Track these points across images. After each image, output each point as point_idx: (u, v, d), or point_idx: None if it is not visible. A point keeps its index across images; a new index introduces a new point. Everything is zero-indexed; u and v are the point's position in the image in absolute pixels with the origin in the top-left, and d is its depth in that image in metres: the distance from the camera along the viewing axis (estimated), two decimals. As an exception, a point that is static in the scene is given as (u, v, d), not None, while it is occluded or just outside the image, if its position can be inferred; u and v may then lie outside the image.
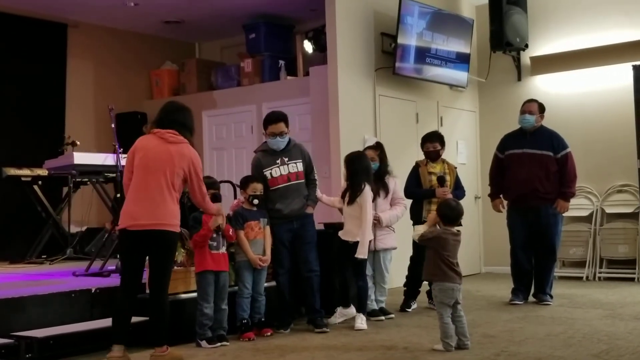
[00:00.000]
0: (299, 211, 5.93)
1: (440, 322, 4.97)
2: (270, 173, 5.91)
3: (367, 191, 6.04)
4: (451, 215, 5.11)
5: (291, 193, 5.91)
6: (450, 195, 6.42)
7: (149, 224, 4.62)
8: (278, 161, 5.93)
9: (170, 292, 5.47)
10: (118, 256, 4.90)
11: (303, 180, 6.00)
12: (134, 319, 5.31)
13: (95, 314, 5.40)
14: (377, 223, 6.31)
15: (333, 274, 6.23)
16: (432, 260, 5.08)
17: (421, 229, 5.15)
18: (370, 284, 6.34)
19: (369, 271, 6.33)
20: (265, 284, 5.85)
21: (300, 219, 5.94)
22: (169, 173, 4.68)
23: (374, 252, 6.36)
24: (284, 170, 5.92)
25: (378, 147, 6.54)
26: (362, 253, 5.96)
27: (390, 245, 6.47)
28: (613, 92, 8.89)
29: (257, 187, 5.77)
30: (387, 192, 6.44)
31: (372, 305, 6.31)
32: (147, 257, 4.80)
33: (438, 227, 5.11)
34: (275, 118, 5.93)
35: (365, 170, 6.10)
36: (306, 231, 5.97)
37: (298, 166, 5.96)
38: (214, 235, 5.41)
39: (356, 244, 5.98)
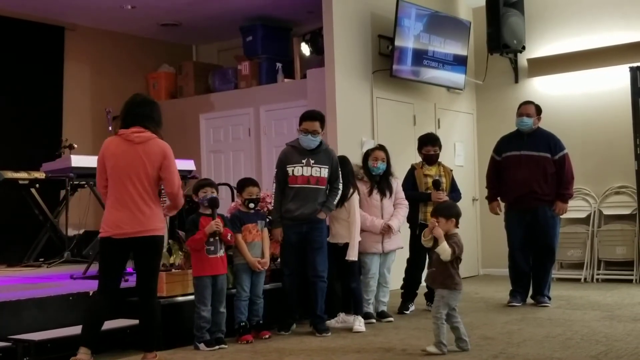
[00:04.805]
0: (309, 215, 5.83)
1: (438, 324, 4.92)
2: (293, 171, 5.84)
3: (355, 195, 6.12)
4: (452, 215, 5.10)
5: (306, 196, 5.83)
6: (446, 199, 6.41)
7: (134, 232, 4.60)
8: (304, 161, 5.86)
9: (168, 294, 5.49)
10: (99, 261, 4.83)
11: (323, 187, 5.89)
12: (125, 323, 5.33)
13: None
14: (386, 232, 6.33)
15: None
16: (444, 269, 5.01)
17: (446, 247, 4.93)
18: (374, 286, 6.36)
19: (374, 273, 6.35)
20: (265, 286, 5.85)
21: (309, 224, 5.85)
22: (144, 177, 4.63)
23: (383, 255, 6.39)
24: (306, 171, 5.84)
25: (383, 148, 6.54)
26: (352, 255, 6.00)
27: (397, 245, 6.52)
28: (610, 94, 8.89)
29: (253, 191, 5.74)
30: (391, 192, 6.47)
31: (369, 308, 6.29)
32: (134, 263, 4.83)
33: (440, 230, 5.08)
34: (312, 115, 5.92)
35: (351, 174, 6.22)
36: (315, 236, 5.87)
37: (322, 171, 5.87)
38: (212, 240, 5.38)
39: (346, 245, 6.01)
